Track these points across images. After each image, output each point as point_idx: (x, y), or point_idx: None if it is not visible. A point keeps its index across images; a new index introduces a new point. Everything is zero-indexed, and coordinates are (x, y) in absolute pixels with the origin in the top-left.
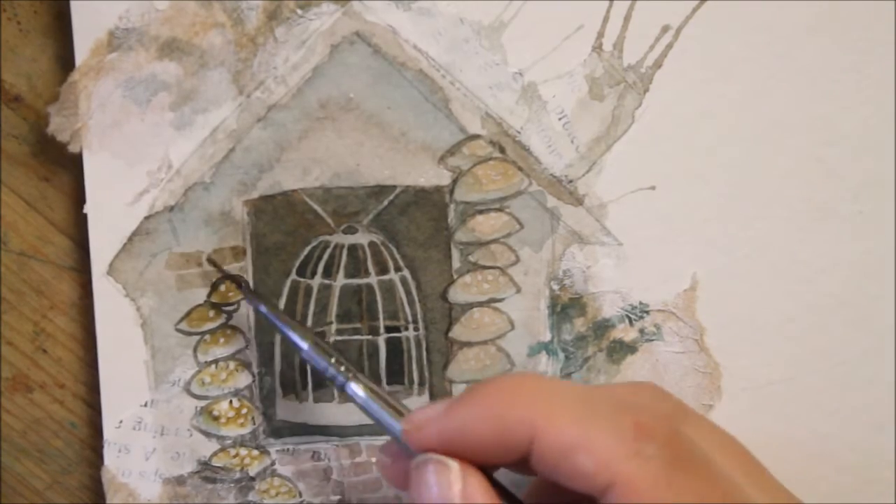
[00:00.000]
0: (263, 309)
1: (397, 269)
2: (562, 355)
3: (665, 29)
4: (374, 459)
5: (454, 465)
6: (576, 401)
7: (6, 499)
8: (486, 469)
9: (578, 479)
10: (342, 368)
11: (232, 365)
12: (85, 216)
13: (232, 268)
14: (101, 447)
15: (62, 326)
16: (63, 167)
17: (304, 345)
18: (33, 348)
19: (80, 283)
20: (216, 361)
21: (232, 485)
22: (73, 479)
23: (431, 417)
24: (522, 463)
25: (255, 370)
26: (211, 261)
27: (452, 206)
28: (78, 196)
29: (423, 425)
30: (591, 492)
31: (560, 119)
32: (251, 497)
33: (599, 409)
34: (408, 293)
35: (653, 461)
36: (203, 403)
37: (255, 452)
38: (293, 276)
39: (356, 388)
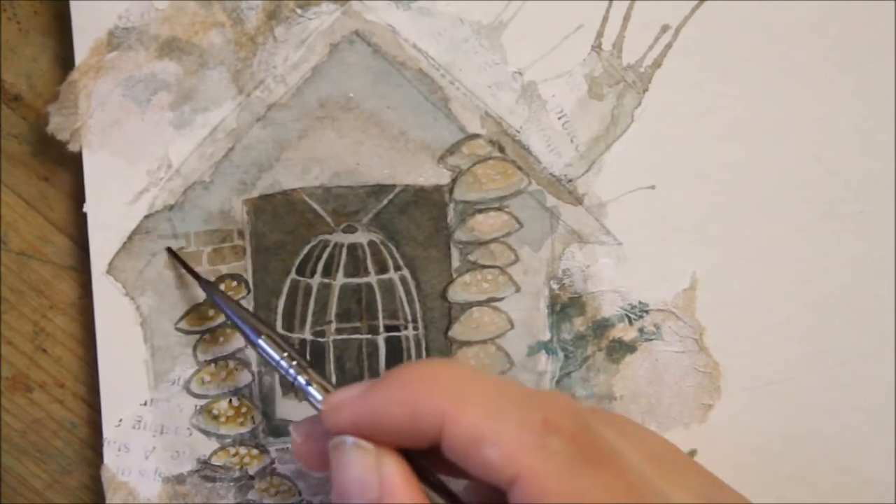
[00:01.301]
0: (218, 299)
1: (397, 268)
2: (561, 354)
3: (664, 28)
4: None
5: (369, 446)
6: (487, 393)
7: (6, 499)
8: (410, 451)
9: (486, 471)
10: (294, 363)
11: (231, 364)
12: (85, 215)
13: (231, 267)
14: (101, 447)
15: (62, 326)
16: (63, 167)
17: (257, 338)
18: (33, 348)
19: (80, 282)
20: (216, 360)
21: (231, 484)
22: (73, 478)
23: (348, 398)
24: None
25: (255, 369)
26: (170, 251)
27: (452, 206)
28: (78, 195)
29: (340, 406)
30: (498, 484)
31: (559, 118)
32: (251, 496)
33: (509, 403)
34: (407, 292)
35: (558, 455)
36: (203, 402)
37: (255, 451)
38: (293, 275)
39: (303, 381)
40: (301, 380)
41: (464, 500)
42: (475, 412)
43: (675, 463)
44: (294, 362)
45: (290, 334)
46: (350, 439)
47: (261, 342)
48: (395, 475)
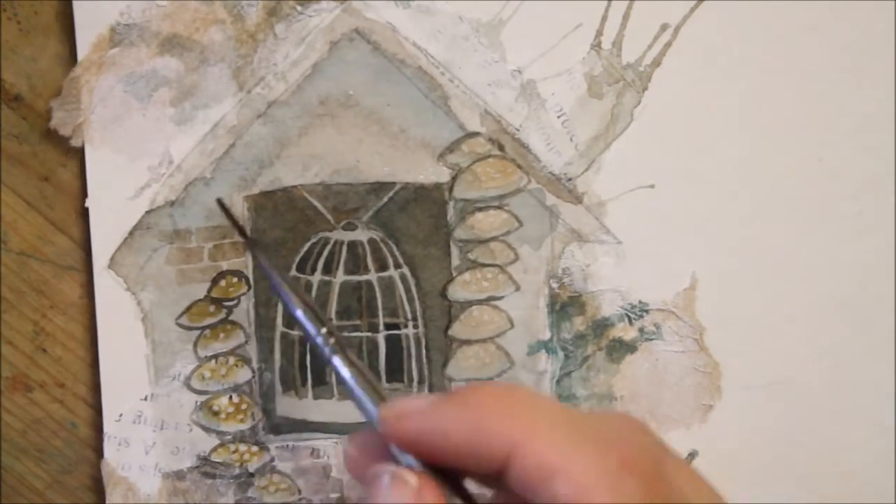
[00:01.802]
0: (265, 265)
1: (397, 266)
2: (561, 354)
3: (664, 27)
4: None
5: (412, 480)
6: (561, 423)
7: (6, 499)
8: (456, 475)
9: None
10: (332, 341)
11: (232, 360)
12: (85, 215)
13: (232, 263)
14: (101, 447)
15: (62, 326)
16: (63, 166)
17: (296, 309)
18: (33, 348)
19: (80, 282)
20: (216, 356)
21: (231, 480)
22: (73, 478)
23: (412, 411)
24: (496, 478)
25: (255, 366)
26: (220, 203)
27: (452, 204)
28: (78, 195)
29: (403, 416)
30: None
31: (559, 117)
32: (250, 493)
33: (584, 435)
34: (407, 290)
35: (632, 499)
36: (203, 398)
37: (255, 448)
38: (293, 271)
39: (340, 364)
40: (337, 361)
41: None
42: (548, 443)
43: None
44: (332, 340)
45: (290, 331)
46: (393, 469)
47: (299, 313)
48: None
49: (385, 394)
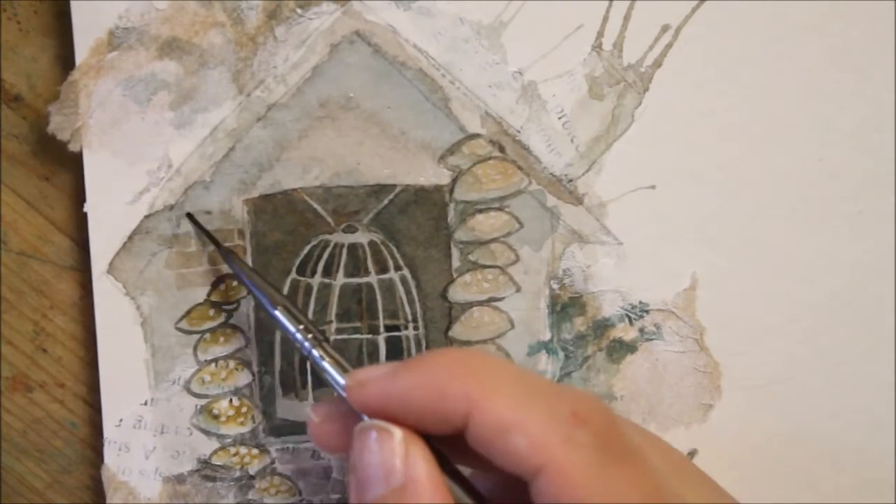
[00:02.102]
0: (236, 267)
1: (397, 268)
2: (561, 354)
3: (665, 28)
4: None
5: (397, 432)
6: (515, 382)
7: (6, 499)
8: (429, 438)
9: (511, 460)
10: (309, 336)
11: (232, 364)
12: (85, 215)
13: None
14: (102, 446)
15: (62, 326)
16: (63, 167)
17: (274, 310)
18: (33, 348)
19: (80, 282)
20: (216, 360)
21: (232, 483)
22: (73, 478)
23: (375, 377)
24: (456, 441)
25: (255, 369)
26: (190, 217)
27: (452, 206)
28: (78, 195)
29: (366, 383)
30: (522, 474)
31: (560, 118)
32: (251, 496)
33: (538, 393)
34: (408, 292)
35: (586, 448)
36: (203, 402)
37: (255, 451)
38: (293, 274)
39: (317, 356)
40: (315, 353)
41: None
42: (504, 400)
43: (689, 471)
44: (310, 335)
45: None
46: (377, 422)
47: (277, 313)
48: (420, 462)
49: (350, 369)
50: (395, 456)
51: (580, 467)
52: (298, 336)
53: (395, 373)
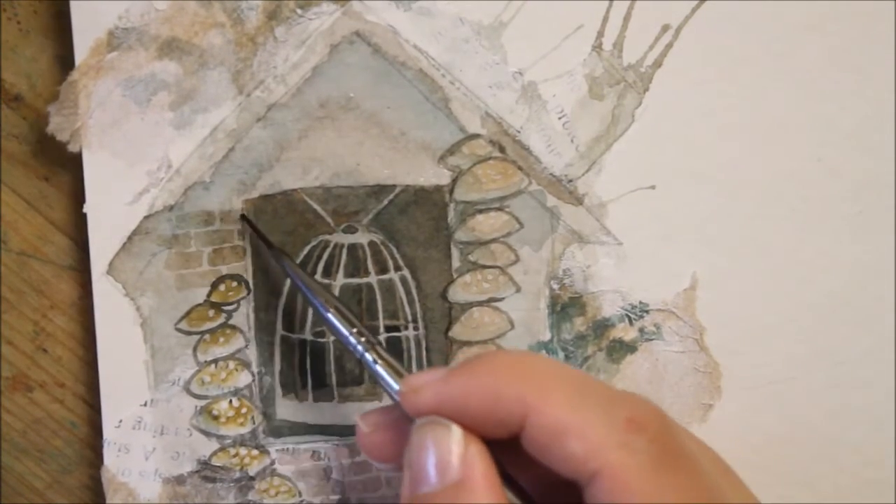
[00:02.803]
0: (289, 270)
1: (397, 268)
2: (561, 354)
3: (665, 28)
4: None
5: (456, 429)
6: (571, 385)
7: (6, 499)
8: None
9: (566, 463)
10: (363, 339)
11: (231, 364)
12: (85, 216)
13: (232, 267)
14: (101, 447)
15: (62, 326)
16: (63, 167)
17: (327, 312)
18: (33, 348)
19: (80, 282)
20: (216, 361)
21: (232, 484)
22: (73, 478)
23: (429, 381)
24: (515, 445)
25: (255, 370)
26: (244, 217)
27: (452, 206)
28: (78, 196)
29: (421, 388)
30: (578, 478)
31: (560, 118)
32: (251, 496)
33: (594, 397)
34: (407, 293)
35: (642, 454)
36: (203, 403)
37: (255, 452)
38: None
39: (370, 360)
40: (368, 357)
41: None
42: (560, 404)
43: (735, 479)
44: (363, 339)
45: (290, 335)
46: (436, 418)
47: (329, 316)
48: (478, 460)
49: (405, 373)
50: (453, 453)
51: (636, 472)
52: (352, 339)
53: (449, 377)
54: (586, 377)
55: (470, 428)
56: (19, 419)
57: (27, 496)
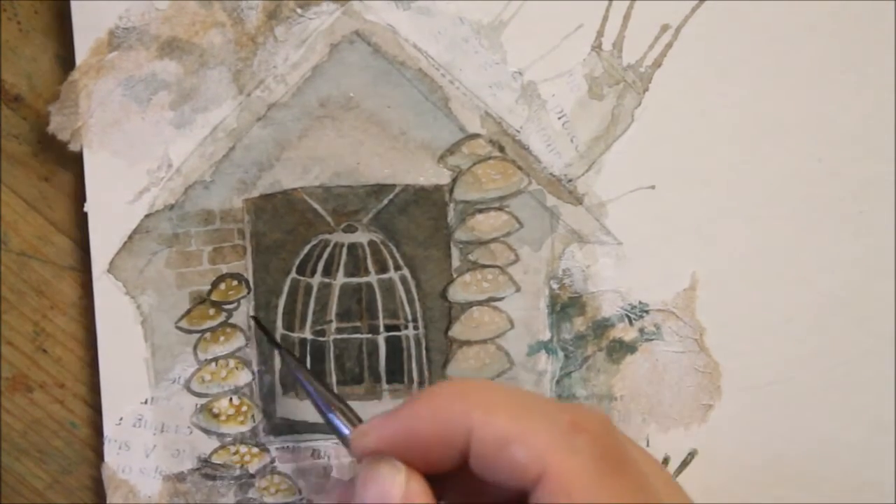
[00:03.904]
0: (300, 376)
1: (397, 267)
2: (561, 354)
3: (664, 28)
4: None
5: (399, 464)
6: (513, 398)
7: (6, 499)
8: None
9: (512, 473)
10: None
11: (232, 363)
12: (85, 215)
13: (232, 266)
14: (102, 446)
15: (62, 326)
16: (63, 167)
17: (329, 413)
18: (33, 348)
19: (80, 282)
20: (216, 359)
21: (232, 482)
22: (73, 479)
23: (374, 423)
24: (462, 475)
25: (255, 368)
26: (255, 319)
27: (452, 205)
28: (78, 196)
29: (367, 430)
30: (524, 484)
31: (559, 118)
32: (251, 494)
33: (538, 408)
34: (407, 292)
35: (584, 455)
36: (203, 401)
37: (255, 450)
38: (293, 274)
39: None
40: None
41: None
42: (503, 415)
43: (676, 489)
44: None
45: (290, 333)
46: (379, 456)
47: (332, 416)
48: (420, 492)
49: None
50: (395, 484)
51: (579, 473)
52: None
53: (392, 413)
54: (530, 393)
55: (418, 460)
56: (19, 419)
57: (27, 496)
